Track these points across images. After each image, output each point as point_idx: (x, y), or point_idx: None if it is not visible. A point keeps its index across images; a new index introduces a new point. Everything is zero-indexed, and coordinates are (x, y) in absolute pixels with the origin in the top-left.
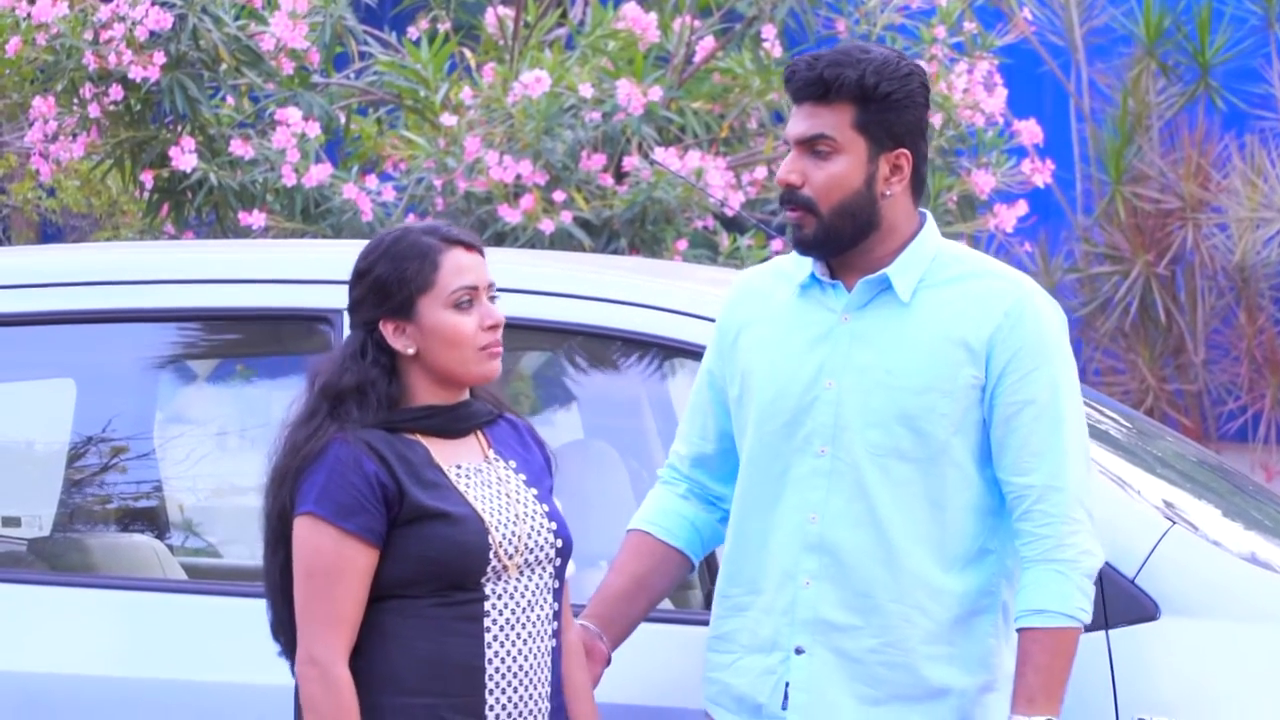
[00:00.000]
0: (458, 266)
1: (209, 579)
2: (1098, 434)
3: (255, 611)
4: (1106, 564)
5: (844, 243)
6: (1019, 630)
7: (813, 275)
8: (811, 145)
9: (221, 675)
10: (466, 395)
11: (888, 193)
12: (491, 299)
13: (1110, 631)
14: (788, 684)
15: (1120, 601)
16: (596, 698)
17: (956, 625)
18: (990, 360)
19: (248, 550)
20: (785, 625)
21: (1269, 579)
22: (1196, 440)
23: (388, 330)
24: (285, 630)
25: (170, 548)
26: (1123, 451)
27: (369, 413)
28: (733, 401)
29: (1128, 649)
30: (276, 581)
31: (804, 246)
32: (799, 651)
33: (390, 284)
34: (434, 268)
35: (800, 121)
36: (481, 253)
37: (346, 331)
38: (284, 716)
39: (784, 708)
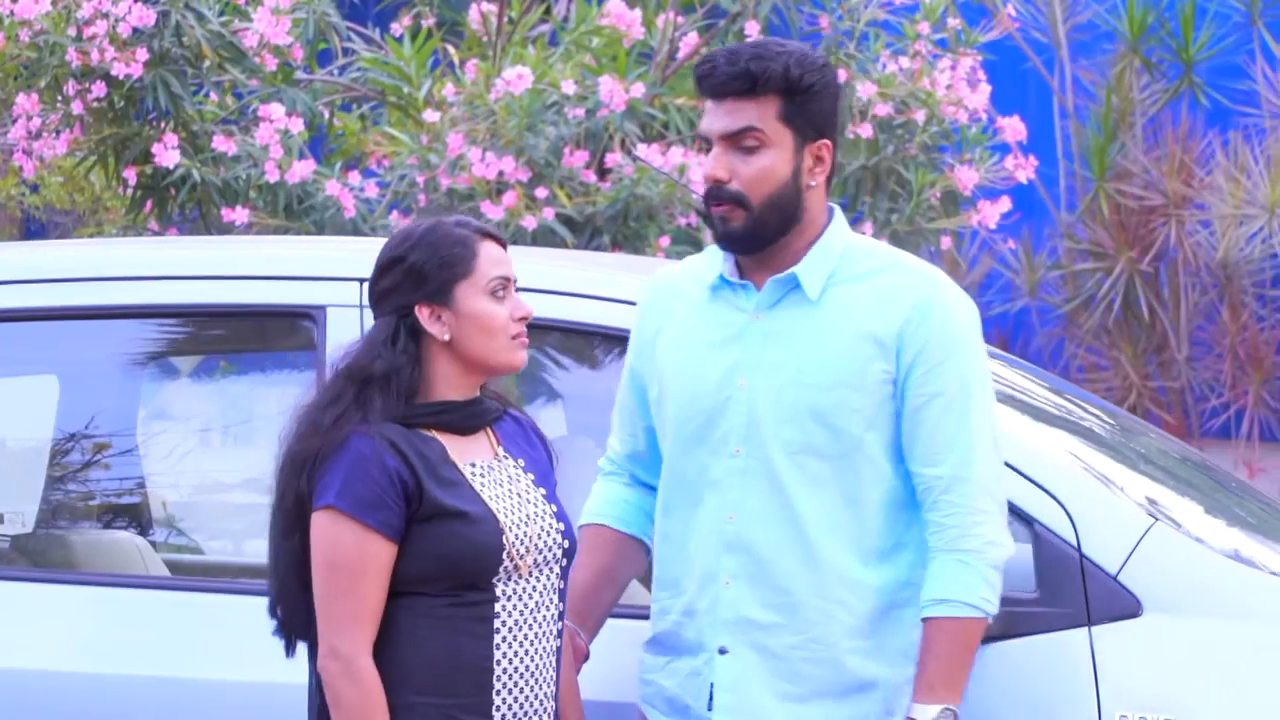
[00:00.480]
0: (493, 257)
1: (192, 575)
2: (1081, 431)
3: (238, 608)
4: (1089, 560)
5: (770, 236)
6: (923, 620)
7: (721, 276)
8: (738, 140)
9: (204, 672)
10: (478, 393)
11: (811, 183)
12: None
13: (1093, 628)
14: (712, 684)
15: (1103, 598)
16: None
17: (877, 619)
18: (900, 354)
19: (231, 546)
20: (709, 626)
21: (1251, 576)
22: (1179, 437)
23: (423, 315)
24: (292, 609)
25: (153, 544)
26: (1106, 448)
27: (391, 402)
28: (653, 402)
29: (1110, 646)
30: (291, 564)
31: (731, 240)
32: (723, 651)
33: (429, 269)
34: (473, 255)
35: (723, 117)
36: (506, 248)
37: (330, 328)
38: (267, 714)
39: (710, 709)
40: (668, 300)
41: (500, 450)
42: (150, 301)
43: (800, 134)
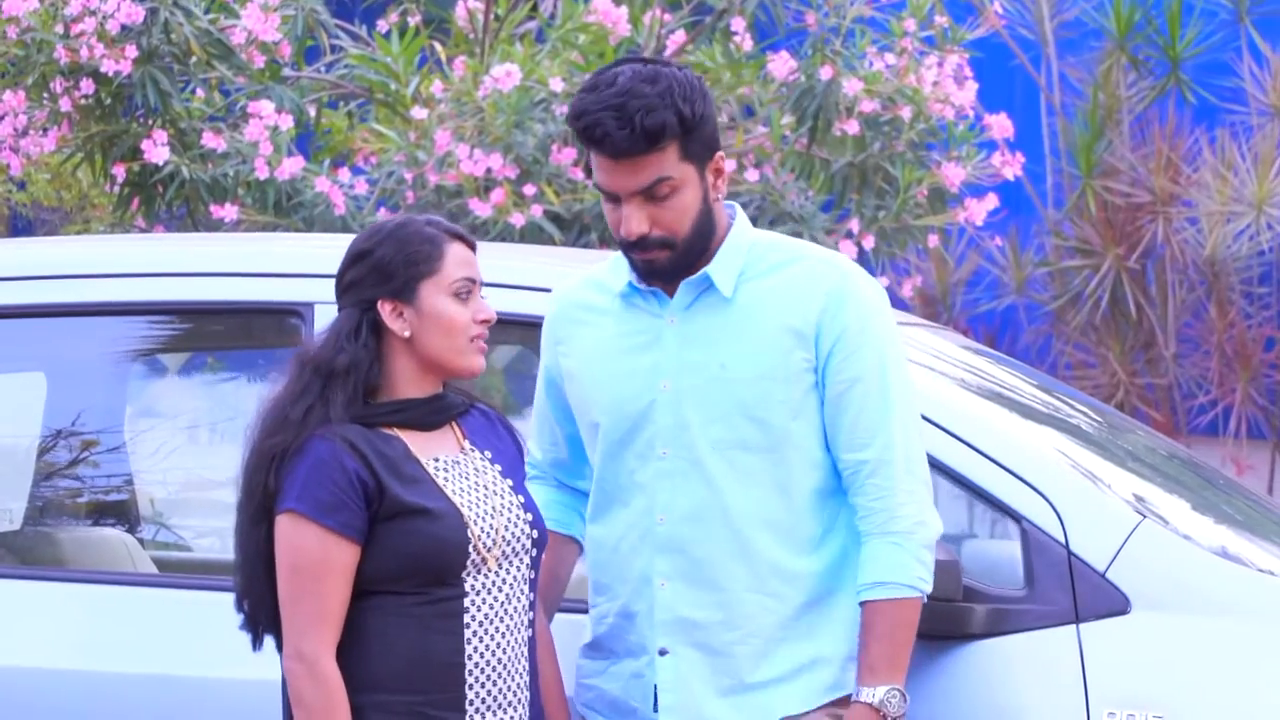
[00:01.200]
0: (460, 258)
1: (179, 573)
2: (1069, 428)
3: (226, 605)
4: (1077, 557)
5: (693, 260)
6: (861, 604)
7: (630, 284)
8: (651, 192)
9: (192, 670)
10: (440, 389)
11: (717, 197)
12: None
13: (1081, 625)
14: (656, 685)
15: (1091, 595)
16: None
17: (813, 606)
18: (819, 341)
19: (218, 543)
20: (647, 629)
21: (1239, 573)
22: (1167, 434)
23: (385, 310)
24: (258, 602)
25: (141, 541)
26: (1093, 445)
27: (349, 396)
28: (577, 414)
29: (1098, 643)
30: (257, 553)
31: (659, 276)
32: (663, 653)
33: (395, 265)
34: (440, 255)
35: (628, 174)
36: (475, 250)
37: (317, 325)
38: (253, 710)
39: (655, 709)
40: (574, 312)
41: (466, 444)
42: (138, 299)
43: (700, 161)
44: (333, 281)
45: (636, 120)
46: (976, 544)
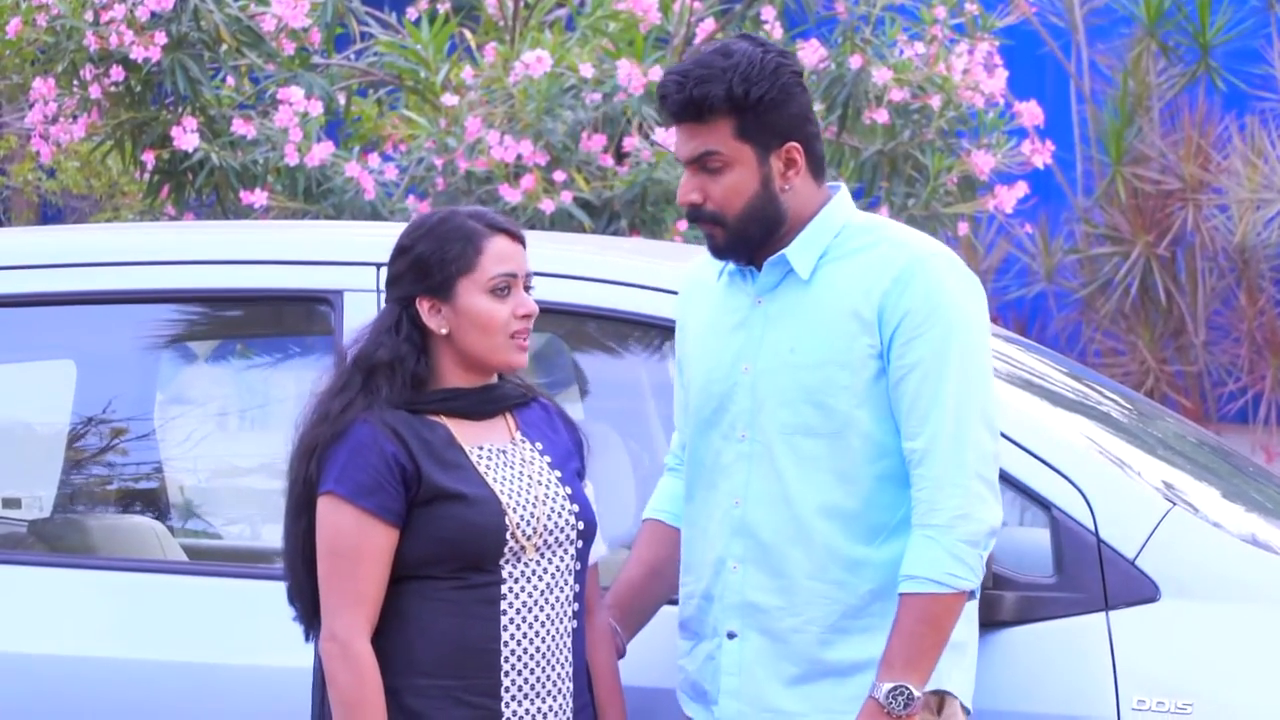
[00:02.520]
0: (499, 253)
1: (209, 560)
2: (1098, 415)
3: (256, 593)
4: (1106, 545)
5: (755, 244)
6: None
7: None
8: (702, 162)
9: (222, 657)
10: (494, 379)
11: (786, 188)
12: (527, 289)
13: (1110, 613)
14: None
15: (1120, 583)
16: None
17: (878, 597)
18: (881, 327)
19: (248, 531)
20: (720, 611)
21: (1270, 561)
22: (1197, 422)
23: (423, 308)
24: (302, 596)
25: (170, 529)
26: (1123, 433)
27: (396, 389)
28: (681, 391)
29: (1128, 631)
30: (298, 548)
31: (719, 254)
32: (731, 636)
33: (431, 262)
34: (477, 251)
35: (685, 142)
36: (523, 242)
37: (346, 312)
38: (283, 697)
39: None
40: (693, 290)
41: (518, 435)
42: (167, 286)
43: (761, 145)
44: (363, 269)
45: (689, 88)
46: (1006, 531)
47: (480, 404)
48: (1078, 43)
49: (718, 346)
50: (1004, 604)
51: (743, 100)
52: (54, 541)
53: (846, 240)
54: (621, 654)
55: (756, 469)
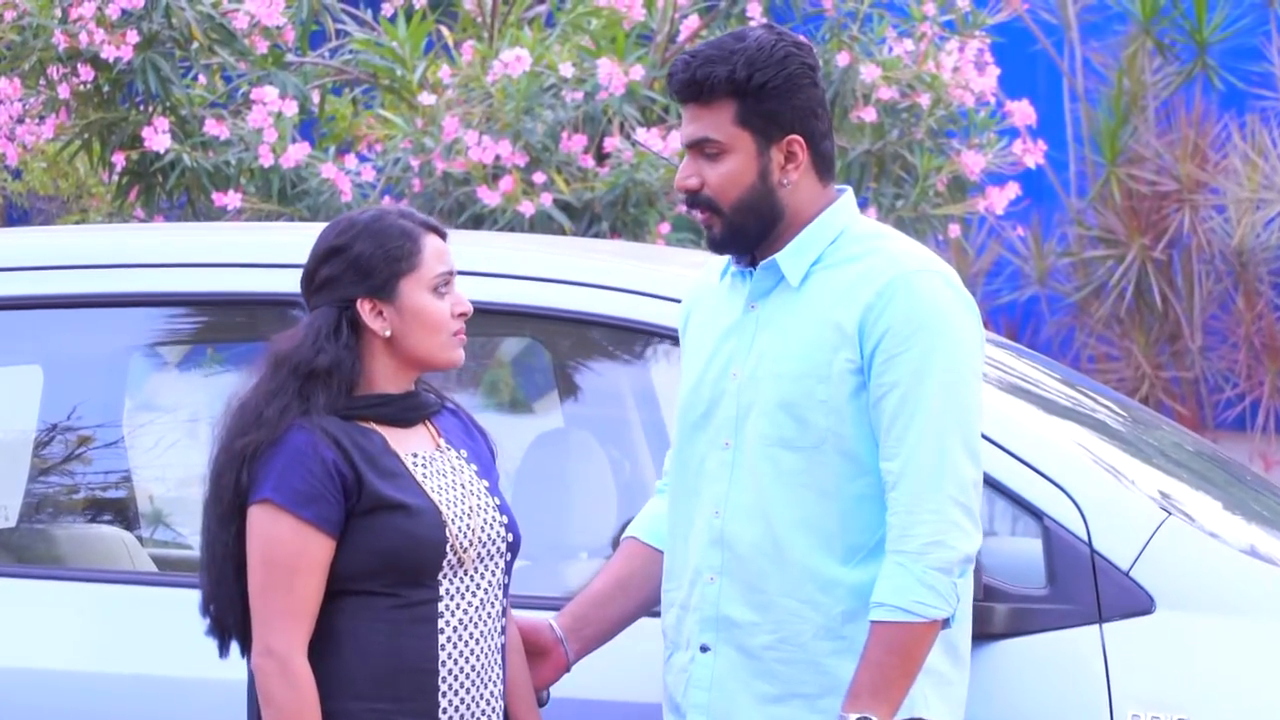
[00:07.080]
0: (437, 251)
1: (179, 571)
2: (1092, 423)
3: None
4: (1100, 556)
5: (751, 238)
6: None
7: (729, 262)
8: (701, 147)
9: (191, 670)
10: (413, 386)
11: (785, 182)
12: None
13: (1104, 625)
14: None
15: (1114, 594)
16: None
17: (851, 619)
18: (862, 341)
19: None
20: (695, 622)
21: (1267, 572)
22: (1193, 429)
23: (364, 310)
24: (234, 609)
25: (139, 539)
26: (1117, 440)
27: (333, 396)
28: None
29: (1122, 643)
30: (226, 556)
31: (715, 246)
32: (704, 649)
33: (374, 262)
34: (418, 250)
35: (687, 125)
36: (447, 240)
37: None
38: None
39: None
40: (697, 293)
41: (442, 442)
42: (137, 290)
43: (762, 135)
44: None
45: (694, 67)
46: (997, 542)
47: (406, 410)
48: (1071, 40)
49: (711, 350)
50: (995, 616)
51: (744, 84)
52: (20, 552)
53: (842, 247)
54: (567, 667)
55: (738, 479)
